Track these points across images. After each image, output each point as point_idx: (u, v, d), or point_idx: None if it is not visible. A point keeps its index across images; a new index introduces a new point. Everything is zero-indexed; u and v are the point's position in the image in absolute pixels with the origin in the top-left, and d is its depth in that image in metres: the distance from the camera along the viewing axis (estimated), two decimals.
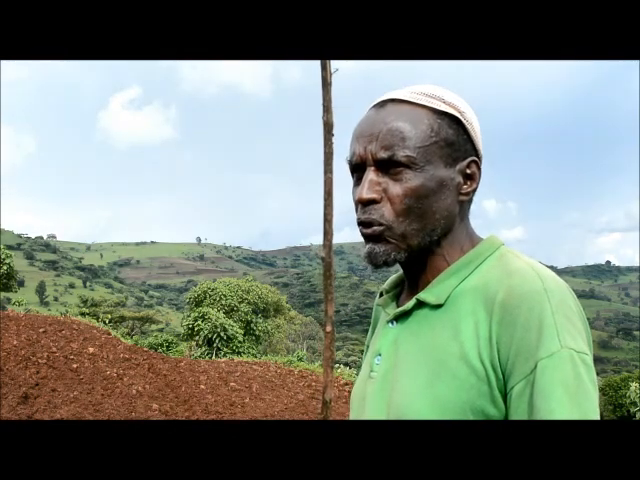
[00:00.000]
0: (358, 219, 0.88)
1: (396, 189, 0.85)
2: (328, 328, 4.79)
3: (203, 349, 15.98)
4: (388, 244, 0.86)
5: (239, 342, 16.64)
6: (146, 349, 9.80)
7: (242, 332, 17.64)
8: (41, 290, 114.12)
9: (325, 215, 4.85)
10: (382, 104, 0.89)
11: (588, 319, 0.83)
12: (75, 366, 7.59)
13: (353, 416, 0.95)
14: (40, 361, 7.42)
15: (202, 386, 8.42)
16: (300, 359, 13.26)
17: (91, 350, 8.25)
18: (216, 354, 15.47)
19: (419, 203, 0.85)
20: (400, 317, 0.91)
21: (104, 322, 12.57)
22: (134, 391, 7.40)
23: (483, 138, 0.92)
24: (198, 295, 21.40)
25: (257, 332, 20.02)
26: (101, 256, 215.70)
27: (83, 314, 18.54)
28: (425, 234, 0.87)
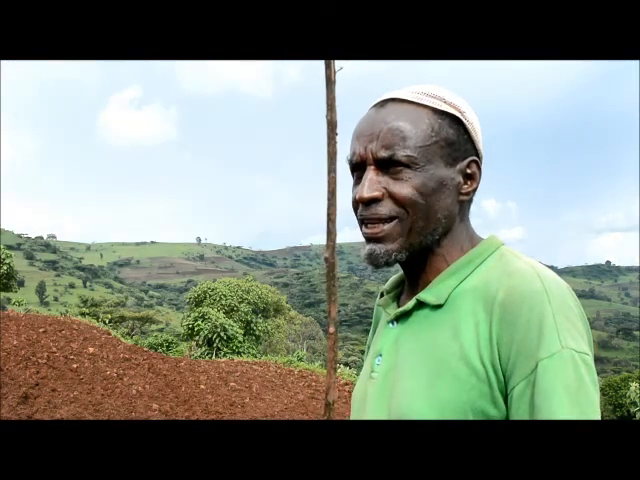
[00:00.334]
0: (361, 216, 0.88)
1: (397, 189, 0.85)
2: (331, 329, 4.78)
3: (203, 349, 15.97)
4: (389, 243, 0.86)
5: (239, 342, 16.63)
6: (146, 349, 9.80)
7: (242, 332, 17.64)
8: (41, 290, 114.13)
9: (328, 215, 4.84)
10: (383, 103, 0.89)
11: (588, 319, 0.83)
12: (75, 366, 7.59)
13: (354, 416, 0.95)
14: (40, 361, 7.42)
15: (202, 386, 8.42)
16: (300, 359, 13.26)
17: (91, 350, 8.25)
18: (216, 354, 15.47)
19: (421, 201, 0.85)
20: (400, 317, 0.91)
21: (104, 322, 12.57)
22: (134, 391, 7.40)
23: (483, 138, 0.92)
24: (198, 295, 21.40)
25: (257, 332, 20.02)
26: (101, 256, 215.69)
27: (83, 314, 18.54)
28: (427, 232, 0.86)
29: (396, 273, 1.01)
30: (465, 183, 0.89)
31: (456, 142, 0.87)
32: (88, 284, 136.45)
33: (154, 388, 7.74)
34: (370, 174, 0.86)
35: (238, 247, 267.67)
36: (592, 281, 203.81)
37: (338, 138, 4.80)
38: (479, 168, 0.90)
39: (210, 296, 21.04)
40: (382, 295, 1.00)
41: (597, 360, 0.80)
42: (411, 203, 0.84)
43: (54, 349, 7.91)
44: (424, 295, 0.87)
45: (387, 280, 1.04)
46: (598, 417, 0.74)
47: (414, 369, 0.84)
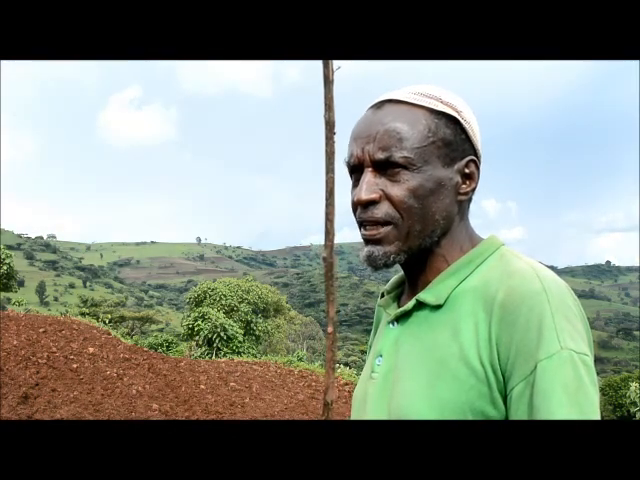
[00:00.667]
0: (360, 219, 0.88)
1: (394, 190, 0.85)
2: (330, 329, 4.77)
3: (203, 349, 15.97)
4: (387, 246, 0.86)
5: (239, 342, 16.63)
6: (146, 349, 9.80)
7: (242, 332, 17.63)
8: (41, 290, 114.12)
9: (327, 215, 4.83)
10: (379, 105, 0.89)
11: (588, 319, 0.83)
12: (75, 366, 7.59)
13: (354, 416, 0.95)
14: (40, 361, 7.42)
15: (202, 386, 8.42)
16: (300, 359, 13.26)
17: (91, 350, 8.25)
18: (216, 354, 15.47)
19: (418, 204, 0.84)
20: (401, 318, 0.91)
21: (104, 322, 12.57)
22: (134, 391, 7.40)
23: (483, 138, 0.92)
24: (198, 295, 21.40)
25: (257, 332, 20.01)
26: (101, 256, 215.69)
27: (83, 314, 18.54)
28: (425, 235, 0.86)
29: (397, 273, 1.01)
30: (464, 183, 0.89)
31: (453, 142, 0.87)
32: (88, 284, 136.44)
33: (154, 388, 7.74)
34: (368, 176, 0.86)
35: (238, 247, 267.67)
36: (592, 281, 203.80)
37: (336, 138, 4.79)
38: (477, 168, 0.89)
39: (210, 296, 21.04)
40: (383, 296, 1.00)
41: (597, 360, 0.80)
42: (407, 206, 0.84)
43: (54, 349, 7.91)
44: (424, 295, 0.87)
45: (387, 280, 1.04)
46: (598, 417, 0.74)
47: (414, 369, 0.84)
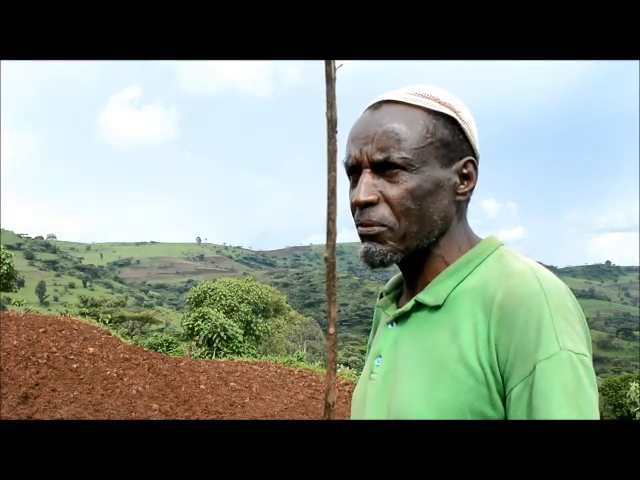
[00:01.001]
0: (357, 221, 0.88)
1: (393, 191, 0.84)
2: (331, 330, 4.76)
3: (203, 349, 15.97)
4: (385, 244, 0.86)
5: (239, 342, 16.63)
6: (146, 349, 9.80)
7: (242, 332, 17.63)
8: (41, 290, 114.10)
9: (329, 214, 4.82)
10: (377, 105, 0.89)
11: (588, 319, 0.83)
12: (75, 366, 7.59)
13: (354, 417, 0.95)
14: (40, 361, 7.42)
15: (202, 386, 8.42)
16: (300, 359, 13.26)
17: (91, 350, 8.25)
18: (216, 354, 15.47)
19: (416, 205, 0.84)
20: (400, 318, 0.91)
21: (104, 322, 12.57)
22: (134, 391, 7.40)
23: (482, 138, 0.92)
24: (198, 295, 21.40)
25: (257, 332, 20.01)
26: (101, 256, 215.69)
27: (83, 314, 18.54)
28: (423, 236, 0.86)
29: (396, 274, 1.01)
30: (462, 183, 0.88)
31: (451, 142, 0.87)
32: (88, 284, 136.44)
33: (154, 388, 7.74)
34: (366, 177, 0.86)
35: (238, 247, 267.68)
36: (592, 281, 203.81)
37: (338, 136, 4.78)
38: (475, 168, 0.89)
39: (210, 296, 21.04)
40: (381, 296, 1.00)
41: (597, 360, 0.80)
42: (405, 208, 0.84)
43: (54, 349, 7.91)
44: (422, 296, 0.87)
45: (387, 280, 1.04)
46: (597, 418, 0.74)
47: (413, 370, 0.84)
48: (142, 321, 28.44)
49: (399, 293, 0.99)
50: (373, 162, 0.85)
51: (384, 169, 0.85)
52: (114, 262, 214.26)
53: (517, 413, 0.75)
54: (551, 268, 0.83)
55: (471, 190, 0.90)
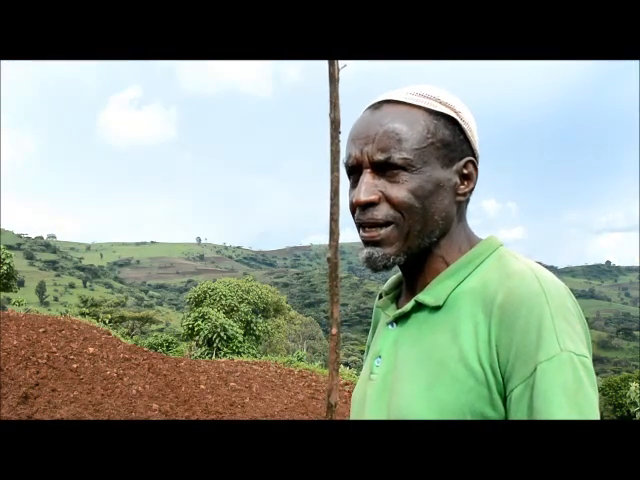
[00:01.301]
0: (358, 220, 0.88)
1: (394, 191, 0.84)
2: (334, 330, 4.76)
3: (203, 349, 15.97)
4: (387, 247, 0.86)
5: (239, 342, 16.63)
6: (146, 349, 9.80)
7: (242, 332, 17.64)
8: (41, 290, 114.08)
9: (331, 215, 4.81)
10: (378, 105, 0.88)
11: (588, 319, 0.83)
12: (75, 366, 7.59)
13: (353, 417, 0.95)
14: (40, 361, 7.42)
15: (202, 386, 8.42)
16: (300, 359, 13.26)
17: (91, 350, 8.25)
18: (216, 354, 15.47)
19: (418, 204, 0.84)
20: (400, 319, 0.91)
21: (104, 322, 12.57)
22: (134, 391, 7.40)
23: (483, 137, 0.92)
24: (198, 295, 21.40)
25: (257, 332, 20.02)
26: (101, 256, 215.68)
27: (83, 314, 18.55)
28: (425, 235, 0.86)
29: (395, 274, 1.01)
30: (462, 184, 0.88)
31: (452, 143, 0.87)
32: (88, 284, 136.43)
33: (154, 388, 7.74)
34: (367, 177, 0.86)
35: (238, 247, 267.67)
36: (592, 281, 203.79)
37: (341, 137, 4.78)
38: (476, 168, 0.89)
39: (210, 296, 21.05)
40: (381, 296, 1.00)
41: (597, 360, 0.80)
42: (407, 207, 0.84)
43: (54, 349, 7.91)
44: (422, 296, 0.87)
45: (387, 280, 1.04)
46: (597, 419, 0.74)
47: (413, 371, 0.84)
48: (142, 321, 28.44)
49: (398, 293, 0.98)
50: (374, 162, 0.85)
51: (385, 169, 0.85)
52: (114, 262, 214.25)
53: (518, 414, 0.75)
54: (551, 268, 0.84)
55: (471, 190, 0.89)
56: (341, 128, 4.76)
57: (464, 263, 0.87)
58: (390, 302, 0.97)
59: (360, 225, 0.88)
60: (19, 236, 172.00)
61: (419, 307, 0.88)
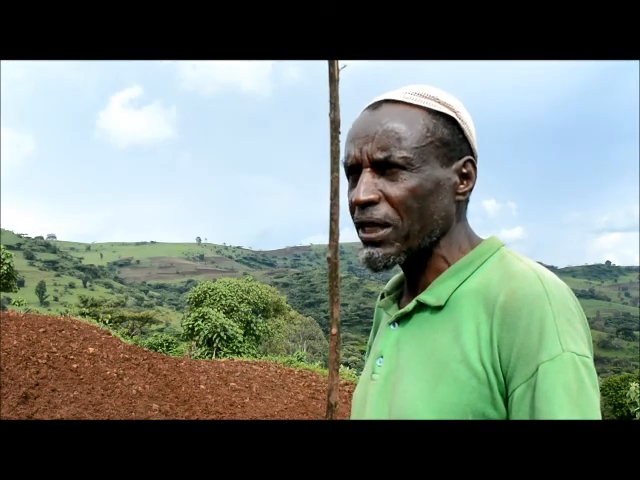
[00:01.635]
0: (358, 220, 0.87)
1: (393, 190, 0.84)
2: (334, 331, 4.76)
3: (203, 349, 15.97)
4: (388, 247, 0.85)
5: (239, 342, 16.63)
6: (146, 349, 9.79)
7: (242, 332, 17.63)
8: (41, 290, 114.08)
9: (331, 215, 4.82)
10: (376, 105, 0.88)
11: (588, 319, 0.83)
12: (75, 366, 7.59)
13: (354, 417, 0.95)
14: (40, 361, 7.42)
15: (202, 386, 8.42)
16: (300, 359, 13.26)
17: (91, 350, 8.24)
18: (216, 354, 15.47)
19: (417, 204, 0.84)
20: (401, 319, 0.91)
21: (104, 322, 12.55)
22: (134, 391, 7.40)
23: (484, 138, 0.92)
24: (198, 295, 21.39)
25: (257, 332, 20.00)
26: (101, 256, 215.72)
27: (83, 314, 18.55)
28: (424, 235, 0.86)
29: (396, 273, 1.01)
30: (461, 183, 0.88)
31: (451, 142, 0.87)
32: (88, 284, 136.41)
33: (154, 388, 7.74)
34: (366, 176, 0.85)
35: (238, 247, 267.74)
36: (592, 281, 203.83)
37: (341, 137, 4.79)
38: (475, 167, 0.89)
39: (210, 296, 21.03)
40: (382, 296, 1.00)
41: (597, 360, 0.80)
42: (406, 207, 0.84)
43: (54, 349, 7.91)
44: (424, 296, 0.87)
45: (387, 280, 1.04)
46: (599, 419, 0.74)
47: (415, 371, 0.84)
48: (142, 321, 28.43)
49: (400, 293, 0.98)
50: (373, 161, 0.85)
51: (384, 168, 0.85)
52: (114, 262, 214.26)
53: (519, 414, 0.75)
54: (551, 268, 0.83)
55: (471, 190, 0.89)
56: (341, 128, 4.77)
57: (466, 263, 0.87)
58: (392, 302, 0.97)
59: (359, 225, 0.88)
60: (19, 236, 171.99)
61: (421, 307, 0.88)
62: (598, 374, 0.79)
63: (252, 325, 20.03)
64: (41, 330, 8.49)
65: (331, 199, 4.80)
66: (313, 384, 9.81)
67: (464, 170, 0.88)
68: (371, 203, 0.85)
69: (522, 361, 0.75)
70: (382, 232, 0.85)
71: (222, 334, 16.04)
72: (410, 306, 0.89)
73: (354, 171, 0.89)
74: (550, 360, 0.74)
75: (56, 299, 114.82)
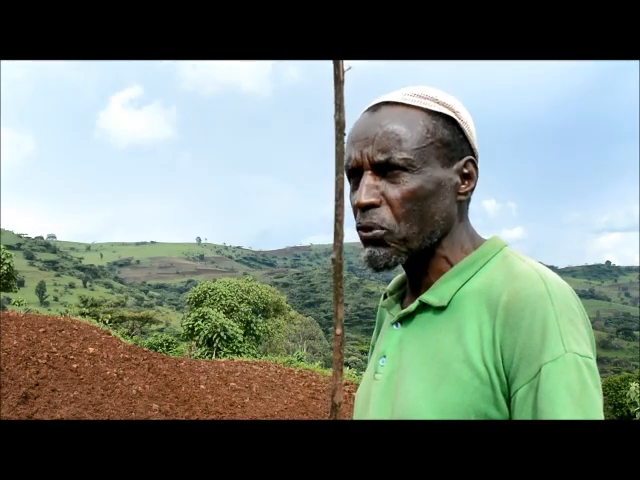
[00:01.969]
0: (358, 223, 0.88)
1: (394, 192, 0.84)
2: (338, 331, 4.76)
3: (203, 349, 15.97)
4: (388, 247, 0.85)
5: (239, 342, 16.63)
6: (146, 349, 9.79)
7: (242, 332, 17.63)
8: (41, 290, 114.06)
9: (336, 216, 4.83)
10: (376, 107, 0.88)
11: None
12: (75, 366, 7.59)
13: (357, 417, 0.95)
14: (40, 361, 7.42)
15: (202, 386, 8.42)
16: (300, 359, 13.26)
17: (91, 350, 8.24)
18: (216, 354, 15.47)
19: (418, 205, 0.84)
20: (404, 319, 0.91)
21: (104, 322, 12.54)
22: (134, 391, 7.40)
23: (484, 138, 0.92)
24: (198, 295, 21.38)
25: (257, 332, 20.00)
26: (101, 256, 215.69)
27: (83, 314, 18.53)
28: (425, 236, 0.86)
29: (398, 273, 1.01)
30: (463, 183, 0.88)
31: (452, 142, 0.87)
32: (88, 284, 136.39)
33: (154, 388, 7.74)
34: (367, 179, 0.86)
35: (238, 247, 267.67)
36: (592, 281, 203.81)
37: (346, 138, 4.79)
38: (476, 167, 0.89)
39: (210, 296, 21.02)
40: (385, 296, 1.00)
41: (597, 360, 0.80)
42: (406, 210, 0.84)
43: (54, 349, 7.91)
44: (427, 297, 0.87)
45: (388, 280, 1.04)
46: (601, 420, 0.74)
47: (418, 371, 0.84)
48: (142, 321, 28.42)
49: (403, 293, 0.98)
50: (374, 163, 0.85)
51: (385, 170, 0.85)
52: (114, 262, 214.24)
53: (522, 415, 0.75)
54: (551, 268, 0.83)
55: (472, 190, 0.89)
56: (346, 130, 4.78)
57: (468, 263, 0.87)
58: (395, 302, 0.97)
59: (359, 228, 0.88)
60: (19, 236, 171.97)
61: (424, 307, 0.88)
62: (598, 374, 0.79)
63: (252, 325, 20.03)
64: (41, 330, 8.49)
65: (336, 200, 4.81)
66: (313, 384, 9.81)
67: (465, 170, 0.88)
68: (372, 206, 0.85)
69: (525, 362, 0.75)
70: (378, 232, 0.85)
71: (222, 334, 16.04)
72: (413, 306, 0.89)
73: (356, 174, 0.89)
74: (553, 361, 0.74)
75: (56, 299, 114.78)
